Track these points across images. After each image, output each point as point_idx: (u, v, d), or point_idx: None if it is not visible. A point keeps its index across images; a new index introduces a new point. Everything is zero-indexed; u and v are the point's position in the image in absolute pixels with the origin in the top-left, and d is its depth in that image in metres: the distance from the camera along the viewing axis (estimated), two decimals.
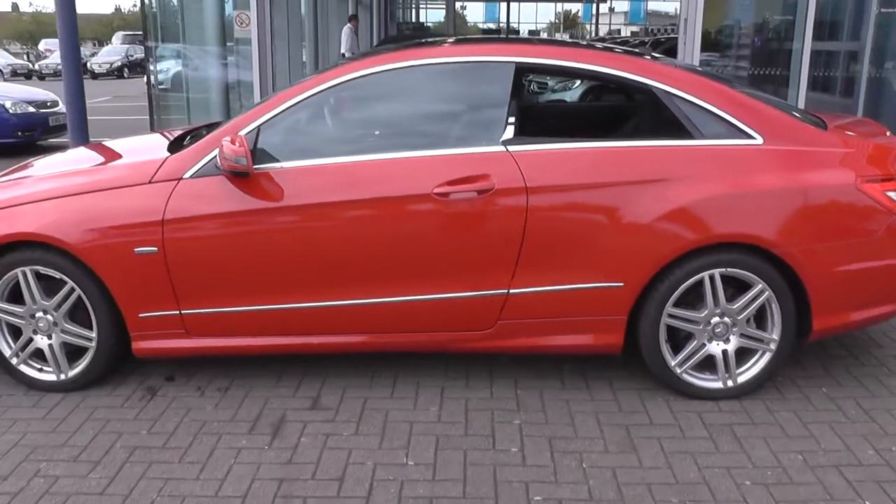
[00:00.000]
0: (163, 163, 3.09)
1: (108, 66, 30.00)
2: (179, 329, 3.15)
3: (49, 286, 3.18)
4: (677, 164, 2.98)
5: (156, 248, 3.02)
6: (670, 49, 9.89)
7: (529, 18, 44.79)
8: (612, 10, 38.91)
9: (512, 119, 3.08)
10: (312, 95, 3.11)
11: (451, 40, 3.60)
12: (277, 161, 3.05)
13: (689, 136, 3.04)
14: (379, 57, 3.20)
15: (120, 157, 3.54)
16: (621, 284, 2.98)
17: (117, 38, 37.66)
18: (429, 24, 32.06)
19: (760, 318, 3.08)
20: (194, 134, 3.66)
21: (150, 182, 3.06)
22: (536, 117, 4.21)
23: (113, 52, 31.85)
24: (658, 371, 3.12)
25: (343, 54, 14.79)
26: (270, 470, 2.66)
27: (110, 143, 3.97)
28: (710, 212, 2.92)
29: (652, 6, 39.53)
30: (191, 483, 2.59)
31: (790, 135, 3.07)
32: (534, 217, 2.95)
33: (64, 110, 10.81)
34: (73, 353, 3.26)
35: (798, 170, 2.99)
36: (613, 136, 3.29)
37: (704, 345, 3.08)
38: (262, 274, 3.05)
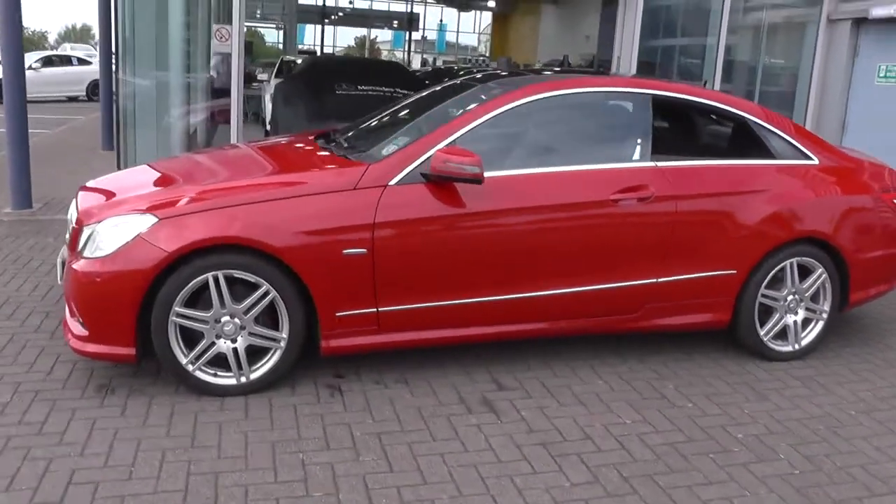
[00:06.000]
0: (366, 170, 3.33)
1: None
2: (373, 325, 3.37)
3: (233, 290, 3.23)
4: (769, 178, 3.85)
5: (365, 250, 3.25)
6: None
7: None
8: (424, 39, 40.73)
9: (651, 139, 3.76)
10: (494, 116, 3.54)
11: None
12: None
13: (771, 156, 3.93)
14: (542, 84, 3.71)
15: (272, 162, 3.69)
16: (734, 272, 3.78)
17: None
18: None
19: (815, 295, 4.04)
20: (326, 137, 3.96)
21: (355, 188, 3.29)
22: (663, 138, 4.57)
23: None
24: (750, 341, 3.94)
25: None
26: (521, 438, 3.06)
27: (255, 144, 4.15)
28: (797, 215, 3.83)
29: (450, 38, 42.06)
30: (440, 444, 2.91)
31: (834, 158, 4.09)
32: (679, 219, 3.64)
33: None
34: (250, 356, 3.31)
35: (841, 183, 4.01)
36: (722, 155, 4.05)
37: (782, 318, 3.97)
38: (460, 271, 3.39)
